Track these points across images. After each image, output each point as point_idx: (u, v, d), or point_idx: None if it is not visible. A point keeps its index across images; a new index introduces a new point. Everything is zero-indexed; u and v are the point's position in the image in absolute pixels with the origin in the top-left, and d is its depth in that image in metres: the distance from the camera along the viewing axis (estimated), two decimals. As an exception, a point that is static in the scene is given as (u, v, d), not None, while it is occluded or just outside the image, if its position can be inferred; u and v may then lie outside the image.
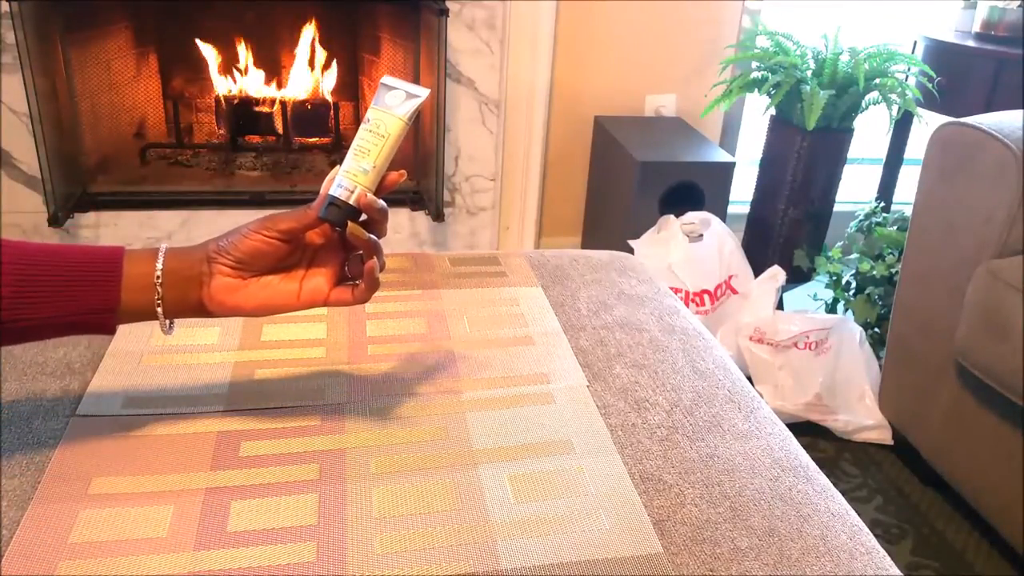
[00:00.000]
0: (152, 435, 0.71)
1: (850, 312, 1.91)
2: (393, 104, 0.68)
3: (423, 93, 0.68)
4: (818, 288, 2.11)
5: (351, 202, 0.66)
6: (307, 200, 0.69)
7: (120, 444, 0.70)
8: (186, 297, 0.67)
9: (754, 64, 2.15)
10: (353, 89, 2.42)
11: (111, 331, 0.66)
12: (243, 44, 2.25)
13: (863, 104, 2.09)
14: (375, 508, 0.65)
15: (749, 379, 1.75)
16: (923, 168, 1.48)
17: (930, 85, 2.07)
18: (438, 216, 2.15)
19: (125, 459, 0.68)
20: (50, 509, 0.63)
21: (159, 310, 0.66)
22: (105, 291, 0.64)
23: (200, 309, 0.68)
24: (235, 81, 2.27)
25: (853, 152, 2.19)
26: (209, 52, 2.22)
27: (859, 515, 0.72)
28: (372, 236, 0.68)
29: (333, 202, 0.66)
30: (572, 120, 2.32)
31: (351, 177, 0.66)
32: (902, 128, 2.31)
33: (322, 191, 0.68)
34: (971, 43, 2.11)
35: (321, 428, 0.74)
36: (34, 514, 0.62)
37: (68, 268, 0.63)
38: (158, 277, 0.65)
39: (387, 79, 0.69)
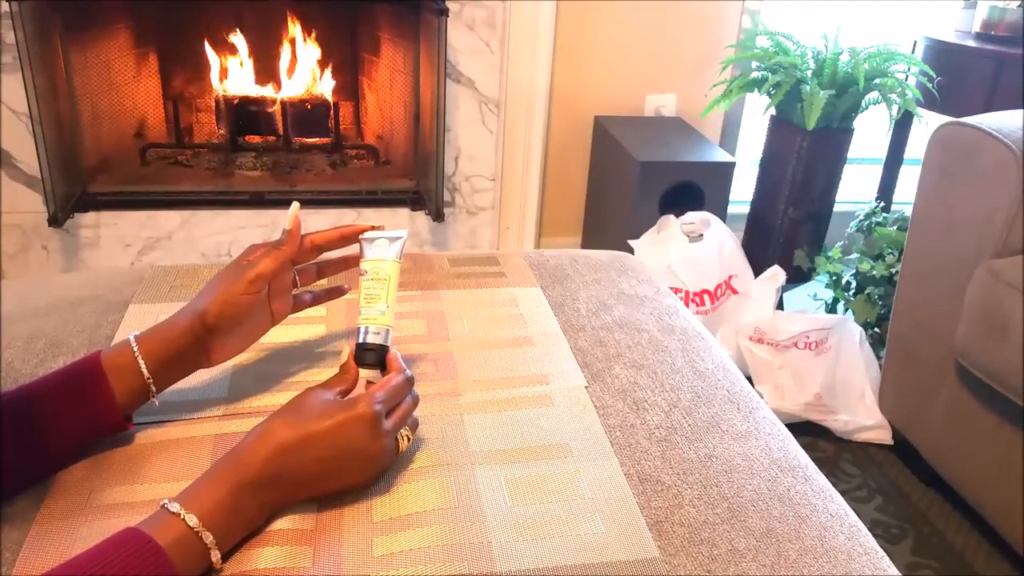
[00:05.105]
0: (151, 442, 0.71)
1: (850, 312, 1.91)
2: (381, 252, 0.75)
3: (403, 233, 0.77)
4: (818, 288, 2.10)
5: (381, 342, 0.72)
6: (305, 201, 0.70)
7: (119, 454, 0.70)
8: (178, 370, 0.71)
9: (754, 64, 2.15)
10: (353, 89, 2.42)
11: (126, 428, 0.70)
12: (243, 44, 2.25)
13: (863, 104, 2.09)
14: (372, 509, 0.65)
15: (749, 379, 1.75)
16: (923, 168, 1.47)
17: (930, 85, 2.07)
18: (438, 216, 2.15)
19: (124, 469, 0.68)
20: (52, 526, 0.62)
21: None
22: (101, 411, 0.67)
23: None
24: (235, 81, 2.27)
25: (853, 152, 2.19)
26: (210, 52, 2.22)
27: (859, 515, 0.72)
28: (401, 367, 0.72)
29: (367, 347, 0.72)
30: (572, 120, 2.32)
31: (372, 321, 0.73)
32: (902, 128, 2.31)
33: (289, 225, 0.73)
34: (971, 43, 2.11)
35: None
36: (37, 532, 0.62)
37: (57, 402, 0.65)
38: (148, 378, 0.68)
39: (365, 235, 0.76)
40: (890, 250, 1.90)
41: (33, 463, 0.65)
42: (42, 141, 1.86)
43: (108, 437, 0.70)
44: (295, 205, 0.75)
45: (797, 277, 2.16)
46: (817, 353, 1.74)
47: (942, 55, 2.14)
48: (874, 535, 0.70)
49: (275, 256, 0.72)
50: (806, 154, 2.12)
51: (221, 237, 2.14)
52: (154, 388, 0.69)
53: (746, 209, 2.35)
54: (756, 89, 2.10)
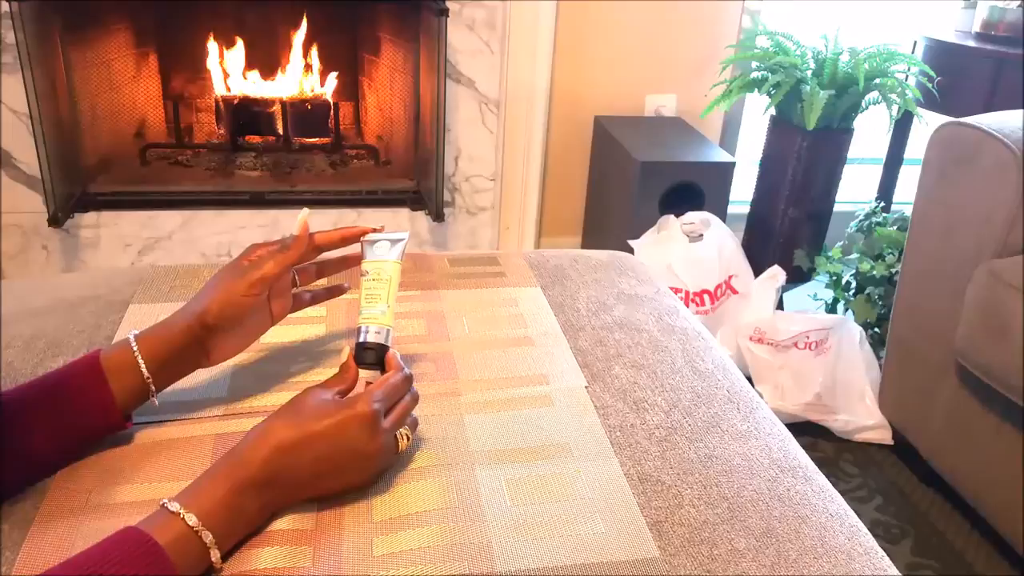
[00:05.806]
0: (151, 442, 0.71)
1: (850, 312, 1.91)
2: (382, 253, 0.76)
3: (404, 235, 0.77)
4: (818, 288, 2.10)
5: (382, 341, 0.73)
6: (305, 201, 0.70)
7: (119, 453, 0.70)
8: (177, 370, 0.71)
9: (754, 64, 2.15)
10: (353, 89, 2.42)
11: (125, 427, 0.70)
12: (243, 44, 2.25)
13: (863, 104, 2.09)
14: (372, 509, 0.65)
15: (749, 379, 1.75)
16: (923, 168, 1.47)
17: (930, 85, 2.07)
18: (438, 216, 2.15)
19: (124, 469, 0.68)
20: (52, 526, 0.62)
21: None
22: (100, 410, 0.67)
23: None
24: (235, 81, 2.27)
25: (853, 152, 2.19)
26: (210, 52, 2.22)
27: (859, 515, 0.72)
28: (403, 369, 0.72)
29: (367, 347, 0.72)
30: (572, 120, 2.32)
31: (372, 321, 0.73)
32: (902, 128, 2.31)
33: (298, 231, 0.73)
34: (971, 43, 2.11)
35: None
36: (37, 531, 0.62)
37: (55, 400, 0.65)
38: (148, 378, 0.68)
39: (367, 237, 0.77)
40: (890, 250, 1.90)
41: (32, 463, 0.65)
42: (42, 141, 1.86)
43: (107, 436, 0.70)
44: (305, 211, 0.75)
45: (797, 277, 2.16)
46: (817, 353, 1.74)
47: (942, 55, 2.14)
48: (874, 535, 0.70)
49: (279, 261, 0.72)
50: (806, 154, 2.12)
51: (221, 237, 2.14)
52: (153, 387, 0.69)
53: (746, 209, 2.35)
54: (756, 89, 2.10)
